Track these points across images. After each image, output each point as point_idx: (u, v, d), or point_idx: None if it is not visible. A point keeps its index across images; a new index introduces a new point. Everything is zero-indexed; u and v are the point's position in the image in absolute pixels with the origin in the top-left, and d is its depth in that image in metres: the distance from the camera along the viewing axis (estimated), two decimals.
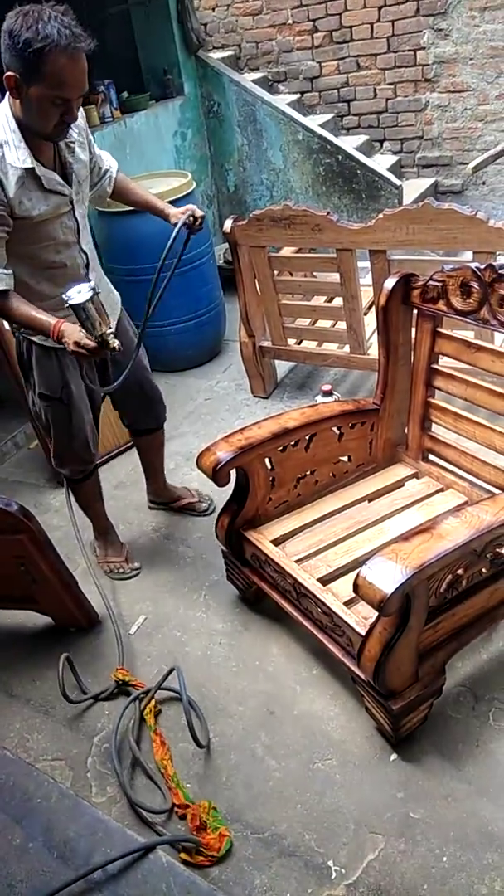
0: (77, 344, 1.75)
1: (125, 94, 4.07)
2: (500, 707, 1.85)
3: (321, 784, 1.74)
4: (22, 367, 2.15)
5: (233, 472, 2.01)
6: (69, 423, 2.18)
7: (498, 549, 1.71)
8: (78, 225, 1.98)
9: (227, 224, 2.97)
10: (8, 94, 1.70)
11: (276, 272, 3.04)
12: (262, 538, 2.06)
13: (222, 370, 3.75)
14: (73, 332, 1.76)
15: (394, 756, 1.77)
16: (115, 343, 1.77)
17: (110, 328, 1.77)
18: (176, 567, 2.50)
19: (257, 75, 4.98)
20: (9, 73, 1.63)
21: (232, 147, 4.56)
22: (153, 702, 1.95)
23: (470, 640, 1.81)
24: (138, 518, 2.80)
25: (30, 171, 1.78)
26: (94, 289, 1.71)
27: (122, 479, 3.06)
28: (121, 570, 2.53)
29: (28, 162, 1.77)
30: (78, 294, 1.69)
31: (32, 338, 2.04)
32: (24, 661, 2.22)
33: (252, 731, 1.89)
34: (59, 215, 1.90)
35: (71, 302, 1.70)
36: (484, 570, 1.73)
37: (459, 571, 1.65)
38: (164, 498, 2.78)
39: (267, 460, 2.07)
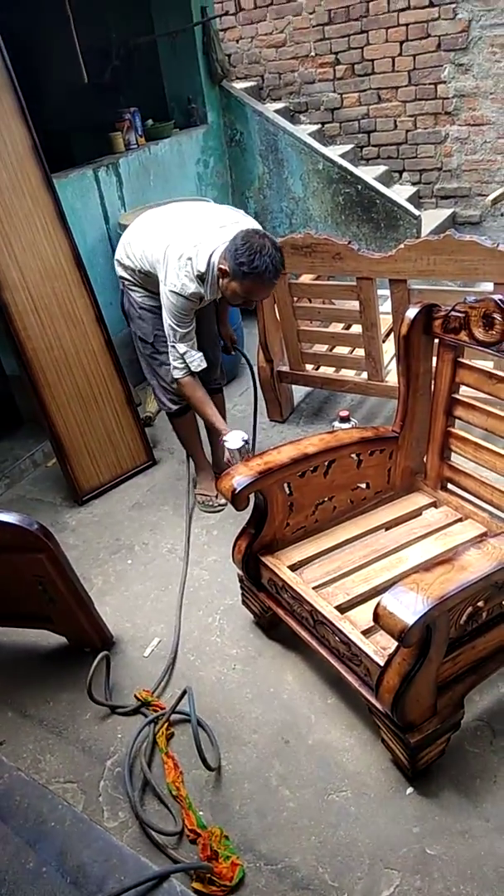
0: (228, 461, 2.50)
1: (150, 122, 4.15)
2: None
3: (336, 816, 1.72)
4: (125, 313, 2.74)
5: (251, 497, 2.01)
6: (160, 363, 2.67)
7: None
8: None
9: None
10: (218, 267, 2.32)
11: (295, 298, 3.07)
12: (280, 563, 2.06)
13: (239, 394, 3.77)
14: (235, 442, 2.47)
15: (410, 790, 1.75)
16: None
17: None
18: (191, 590, 2.50)
19: (279, 105, 5.08)
20: (222, 266, 2.28)
21: (253, 175, 4.63)
22: (166, 725, 1.94)
23: (489, 674, 1.79)
24: (154, 539, 2.80)
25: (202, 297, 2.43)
26: (245, 441, 2.48)
27: (138, 499, 3.07)
28: (210, 503, 2.89)
29: (212, 296, 2.46)
30: (232, 440, 2.47)
31: (133, 293, 2.63)
32: (38, 681, 2.21)
33: (266, 760, 1.88)
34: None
35: (235, 446, 2.46)
36: None
37: (480, 604, 1.64)
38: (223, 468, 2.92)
39: (286, 485, 2.08)
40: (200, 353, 2.51)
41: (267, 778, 1.83)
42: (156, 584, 2.56)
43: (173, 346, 2.47)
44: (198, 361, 2.51)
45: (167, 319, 2.44)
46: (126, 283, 2.65)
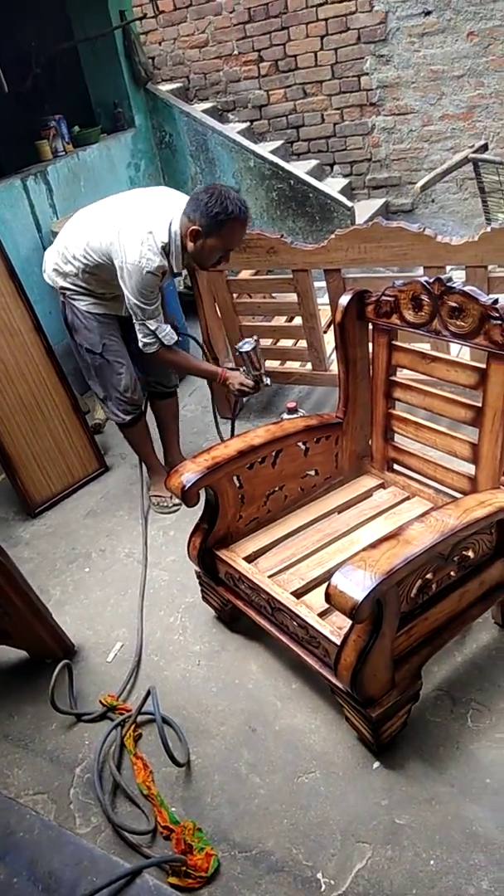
0: (241, 384, 2.61)
1: (76, 129, 4.13)
2: (476, 708, 1.88)
3: (306, 797, 1.74)
4: (68, 325, 2.65)
5: (202, 493, 2.03)
6: (111, 373, 2.66)
7: (465, 552, 1.76)
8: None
9: None
10: (183, 225, 2.30)
11: (235, 295, 3.09)
12: (235, 556, 2.07)
13: (188, 394, 3.78)
14: (236, 377, 2.62)
15: (376, 764, 1.79)
16: (267, 380, 2.67)
17: (264, 370, 2.63)
18: (151, 591, 2.50)
19: (207, 105, 5.10)
20: (195, 227, 2.25)
21: (186, 176, 4.64)
22: (133, 726, 1.94)
23: (444, 644, 1.83)
24: (110, 545, 2.79)
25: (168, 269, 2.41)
26: (256, 342, 2.53)
27: (92, 506, 3.05)
28: (164, 504, 2.90)
29: (177, 269, 2.45)
30: (245, 345, 2.54)
31: (76, 303, 2.56)
32: (0, 697, 2.18)
33: (235, 750, 1.89)
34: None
35: (241, 349, 2.54)
36: (452, 573, 1.77)
37: (428, 576, 1.69)
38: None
39: (235, 478, 2.10)
40: (169, 326, 2.51)
41: (236, 768, 1.85)
42: (115, 589, 2.55)
43: (143, 324, 2.44)
44: (169, 335, 2.49)
45: (132, 300, 2.39)
46: (67, 293, 2.58)
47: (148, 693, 1.96)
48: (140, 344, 2.51)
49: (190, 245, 2.32)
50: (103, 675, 2.20)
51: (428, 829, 1.63)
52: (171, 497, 2.88)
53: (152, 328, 2.45)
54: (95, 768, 1.85)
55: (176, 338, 2.52)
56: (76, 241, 2.48)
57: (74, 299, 2.58)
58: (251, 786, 1.80)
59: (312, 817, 1.70)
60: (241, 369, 2.62)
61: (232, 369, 2.72)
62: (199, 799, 1.79)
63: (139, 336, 2.49)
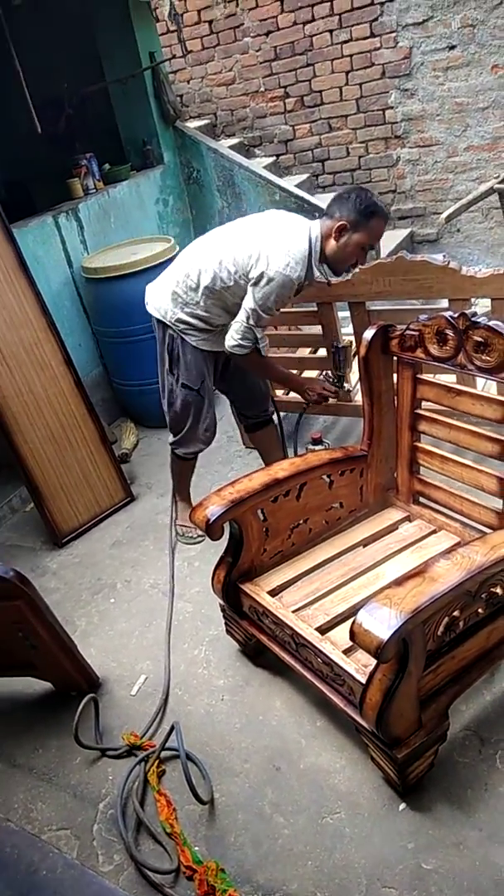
0: (324, 388, 2.70)
1: (107, 166, 4.24)
2: None
3: (331, 839, 1.71)
4: (170, 358, 2.63)
5: (226, 526, 2.03)
6: (201, 410, 2.69)
7: (493, 589, 1.73)
8: None
9: None
10: (324, 231, 2.37)
11: None
12: (259, 590, 2.07)
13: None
14: (317, 381, 2.74)
15: (402, 806, 1.75)
16: (348, 385, 2.74)
17: (348, 373, 2.72)
18: (175, 623, 2.50)
19: (234, 141, 5.20)
20: (342, 223, 2.31)
21: (213, 210, 4.72)
22: (156, 762, 1.93)
23: (472, 683, 1.80)
24: (136, 576, 2.80)
25: (307, 281, 2.44)
26: (351, 344, 2.62)
27: (118, 537, 3.07)
28: (190, 535, 2.91)
29: (313, 275, 2.43)
30: (343, 342, 2.64)
31: (186, 337, 2.56)
32: (26, 730, 2.19)
33: (259, 789, 1.87)
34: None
35: (340, 345, 2.64)
36: (480, 610, 1.75)
37: (455, 613, 1.66)
38: None
39: (259, 512, 2.10)
40: (266, 338, 2.57)
41: (260, 807, 1.82)
42: (140, 620, 2.56)
43: (250, 328, 2.42)
44: (267, 345, 2.57)
45: (254, 305, 2.37)
46: (181, 326, 2.55)
47: (171, 729, 1.95)
48: (232, 343, 2.46)
49: (332, 244, 2.35)
50: (127, 709, 2.19)
51: (456, 874, 1.59)
52: (195, 528, 2.87)
53: (259, 335, 2.47)
54: (119, 804, 1.84)
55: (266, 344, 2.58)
56: (206, 263, 2.47)
57: (187, 334, 2.56)
58: (275, 826, 1.77)
59: (337, 860, 1.67)
60: (323, 374, 2.72)
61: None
62: (223, 838, 1.77)
63: (237, 337, 2.44)
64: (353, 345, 2.54)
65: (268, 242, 2.35)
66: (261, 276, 2.34)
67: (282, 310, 3.20)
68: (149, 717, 2.14)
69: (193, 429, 2.73)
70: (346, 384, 2.69)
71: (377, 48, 4.61)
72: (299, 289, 2.45)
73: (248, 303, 2.39)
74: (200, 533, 2.77)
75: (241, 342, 2.45)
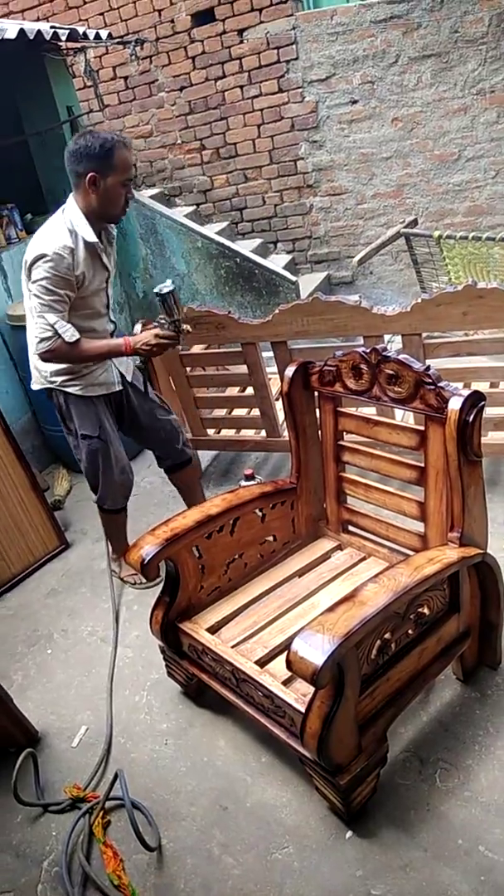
0: (157, 336, 2.36)
1: (28, 216, 4.27)
2: (444, 767, 1.88)
3: (280, 875, 1.71)
4: (62, 417, 2.60)
5: (162, 565, 2.04)
6: (108, 456, 2.60)
7: (420, 609, 1.81)
8: (108, 300, 2.54)
9: (137, 328, 3.10)
10: (79, 194, 2.28)
11: (188, 369, 3.18)
12: (198, 627, 2.08)
13: (147, 465, 3.81)
14: (146, 335, 2.39)
15: (349, 833, 1.77)
16: (186, 326, 2.41)
17: (183, 316, 2.39)
18: (116, 669, 2.47)
19: (154, 191, 5.34)
20: (91, 174, 2.20)
21: (137, 257, 4.81)
22: (101, 813, 1.88)
23: (407, 704, 1.85)
24: (73, 624, 2.75)
25: (93, 245, 2.32)
26: (174, 284, 2.34)
27: (53, 586, 3.02)
28: (141, 580, 2.83)
29: (92, 237, 2.31)
30: (165, 287, 2.32)
31: (68, 389, 2.48)
32: None
33: (206, 831, 1.85)
34: (100, 290, 2.46)
35: (162, 291, 2.30)
36: (410, 631, 1.81)
37: (387, 636, 1.72)
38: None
39: (195, 549, 2.12)
40: (72, 326, 2.31)
41: (209, 849, 1.80)
42: (79, 670, 2.51)
43: (41, 316, 2.26)
44: (71, 332, 2.29)
45: (33, 290, 2.25)
46: (60, 381, 2.48)
47: (115, 777, 1.92)
48: (35, 344, 2.31)
49: (93, 199, 2.25)
50: (69, 762, 2.14)
51: None
52: (133, 573, 2.87)
53: (51, 321, 2.26)
54: (64, 861, 1.79)
55: (78, 336, 2.31)
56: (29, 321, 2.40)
57: (66, 386, 2.49)
58: (224, 867, 1.76)
59: (288, 895, 1.66)
60: (157, 322, 2.43)
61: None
62: (172, 885, 1.74)
63: (36, 334, 2.29)
64: (177, 288, 2.36)
65: (29, 247, 2.30)
66: (28, 268, 2.27)
67: (207, 351, 3.30)
68: (91, 768, 2.09)
69: (108, 476, 2.64)
70: (183, 326, 2.38)
71: (285, 102, 4.87)
72: (97, 254, 2.35)
73: (32, 296, 2.28)
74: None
75: (40, 336, 2.28)
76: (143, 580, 2.79)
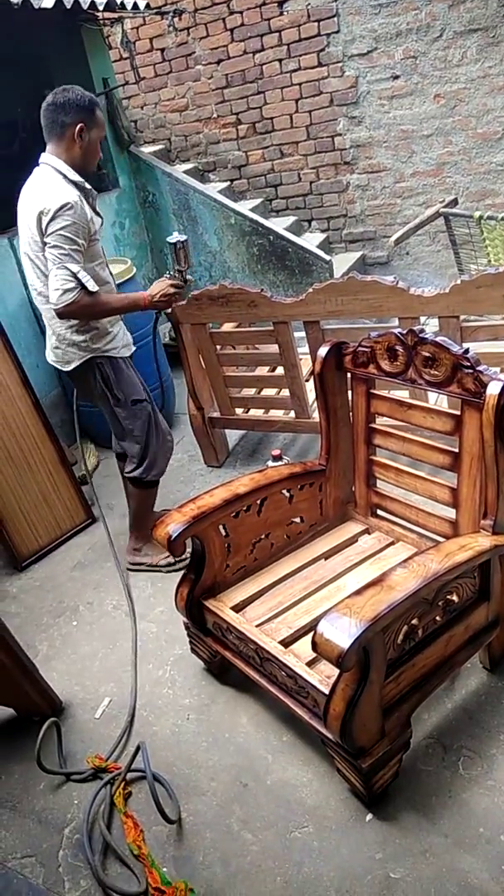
0: (171, 286, 2.46)
1: None
2: (468, 756, 1.87)
3: (299, 853, 1.72)
4: (109, 388, 2.52)
5: (188, 542, 2.04)
6: (157, 420, 2.62)
7: (449, 597, 1.78)
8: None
9: None
10: (61, 145, 2.31)
11: (218, 347, 3.16)
12: (222, 605, 2.08)
13: (175, 443, 3.79)
14: (159, 285, 2.47)
15: (369, 816, 1.77)
16: (190, 277, 2.54)
17: (189, 267, 2.51)
18: (140, 644, 2.48)
19: (188, 166, 5.28)
20: (80, 124, 2.27)
21: (169, 233, 4.76)
22: (122, 784, 1.91)
23: (433, 690, 1.84)
24: (98, 597, 2.78)
25: (89, 192, 2.37)
26: (186, 237, 2.48)
27: (79, 559, 3.05)
28: (174, 562, 2.78)
29: (87, 185, 2.37)
30: (180, 236, 2.48)
31: (110, 353, 2.47)
32: None
33: (226, 807, 1.87)
34: (99, 238, 2.46)
35: (174, 240, 2.46)
36: (438, 618, 1.79)
37: (414, 621, 1.70)
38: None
39: (221, 527, 2.11)
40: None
41: (228, 824, 1.82)
42: (103, 643, 2.53)
43: (63, 267, 2.20)
44: (91, 282, 2.26)
45: (52, 242, 2.20)
46: (99, 346, 2.45)
47: (137, 749, 1.94)
48: (58, 296, 2.22)
49: (77, 150, 2.31)
50: (91, 732, 2.17)
51: (423, 882, 1.61)
52: (165, 556, 2.80)
53: (74, 270, 2.21)
54: (85, 829, 1.82)
55: (97, 286, 2.30)
56: (29, 277, 2.43)
57: (109, 350, 2.47)
58: (243, 842, 1.77)
59: (306, 874, 1.67)
60: (167, 274, 2.52)
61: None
62: (191, 858, 1.76)
63: (57, 286, 2.21)
64: (187, 238, 2.50)
65: (33, 203, 2.27)
66: (48, 219, 2.20)
67: (238, 329, 3.27)
68: (113, 740, 2.12)
69: (159, 441, 2.67)
70: (188, 276, 2.53)
71: (325, 77, 4.76)
72: (94, 211, 2.41)
73: (49, 249, 2.22)
74: (168, 560, 2.75)
75: (63, 288, 2.21)
76: (174, 562, 2.79)
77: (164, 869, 1.72)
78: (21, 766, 2.08)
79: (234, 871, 1.71)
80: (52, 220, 2.20)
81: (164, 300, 2.47)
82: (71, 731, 2.18)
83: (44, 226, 2.23)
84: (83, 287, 2.24)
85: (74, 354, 2.49)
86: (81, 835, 1.81)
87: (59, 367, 2.57)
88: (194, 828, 1.82)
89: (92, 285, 2.26)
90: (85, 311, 2.32)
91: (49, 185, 2.27)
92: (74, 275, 2.22)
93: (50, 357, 2.59)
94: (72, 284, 2.22)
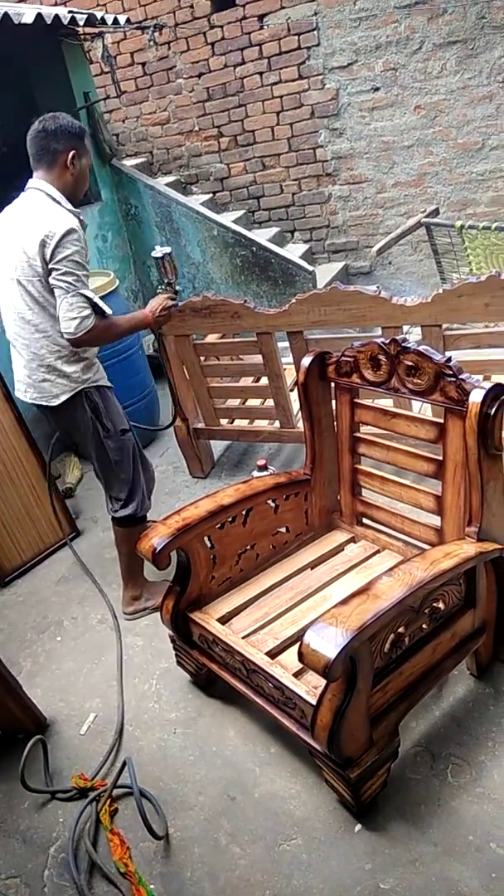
0: (168, 299, 2.51)
1: None
2: (456, 763, 1.86)
3: (288, 866, 1.70)
4: (98, 419, 2.40)
5: (174, 555, 2.03)
6: (141, 452, 2.55)
7: (435, 604, 1.78)
8: None
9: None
10: (53, 173, 2.26)
11: (202, 358, 3.16)
12: (208, 618, 2.06)
13: (160, 454, 3.80)
14: (157, 300, 2.50)
15: (358, 826, 1.75)
16: (178, 288, 2.61)
17: (177, 278, 2.58)
18: (125, 658, 2.46)
19: (171, 179, 5.30)
20: (72, 151, 2.25)
21: (152, 246, 4.75)
22: (108, 801, 1.88)
23: (420, 698, 1.83)
24: (83, 612, 2.75)
25: (81, 220, 2.27)
26: (169, 247, 2.55)
27: (63, 573, 3.02)
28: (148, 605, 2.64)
29: (78, 213, 2.29)
30: (163, 249, 2.54)
31: (100, 382, 2.42)
32: None
33: (214, 821, 1.84)
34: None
35: (158, 254, 2.52)
36: (424, 626, 1.79)
37: (401, 630, 1.70)
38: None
39: (206, 539, 2.10)
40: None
41: (216, 839, 1.80)
42: (88, 657, 2.51)
43: (79, 294, 2.15)
44: (104, 304, 2.24)
45: (67, 268, 2.14)
46: (88, 377, 2.36)
47: (123, 765, 1.92)
48: (74, 324, 2.15)
49: (69, 177, 2.28)
50: (77, 749, 2.14)
51: (413, 892, 1.60)
52: (151, 602, 2.63)
53: (89, 295, 2.18)
54: (70, 847, 1.79)
55: (111, 310, 2.27)
56: (17, 306, 2.30)
57: (98, 380, 2.41)
58: (231, 857, 1.75)
59: (296, 886, 1.65)
60: (159, 288, 2.61)
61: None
62: (179, 874, 1.73)
63: (73, 314, 2.14)
64: (171, 250, 2.56)
65: (31, 228, 2.18)
66: (54, 245, 2.13)
67: (221, 340, 3.28)
68: (99, 756, 2.09)
69: (145, 468, 2.59)
70: (177, 287, 2.59)
71: (306, 90, 4.81)
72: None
73: (60, 276, 2.15)
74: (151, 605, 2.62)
75: (80, 316, 2.15)
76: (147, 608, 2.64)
77: (152, 886, 1.70)
78: (5, 785, 2.04)
79: (222, 886, 1.68)
80: (58, 245, 2.14)
81: (165, 313, 2.50)
82: (56, 748, 2.15)
83: (48, 251, 2.15)
84: (97, 312, 2.20)
85: (65, 387, 2.35)
86: (67, 854, 1.78)
87: (44, 404, 2.40)
88: (182, 843, 1.80)
89: (107, 308, 2.24)
90: (102, 336, 2.27)
91: (49, 211, 2.20)
92: (89, 300, 2.18)
93: (30, 394, 2.42)
94: (88, 311, 2.17)
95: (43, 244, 2.15)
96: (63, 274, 2.15)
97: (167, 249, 2.53)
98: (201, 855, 1.76)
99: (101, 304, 2.21)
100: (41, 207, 2.23)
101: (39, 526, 3.12)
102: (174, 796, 1.93)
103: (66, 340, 2.22)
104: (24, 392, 2.46)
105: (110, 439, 2.43)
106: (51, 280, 2.17)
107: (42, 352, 2.31)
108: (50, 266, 2.16)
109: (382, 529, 2.29)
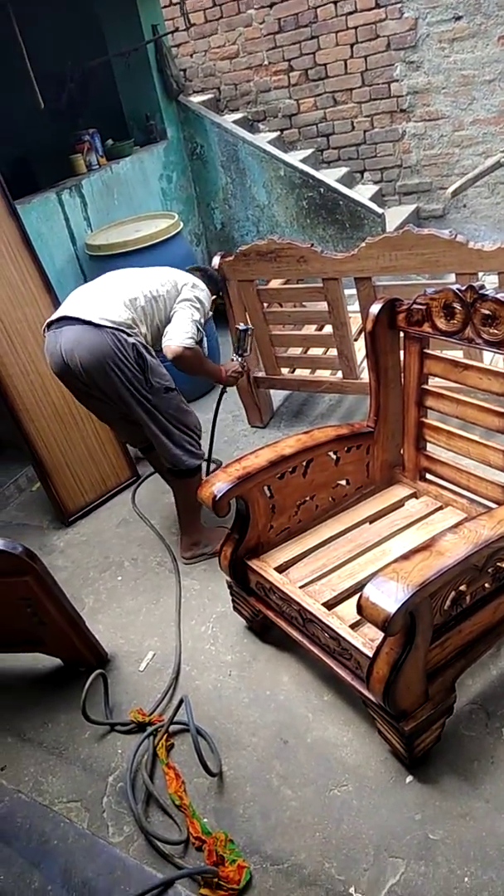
0: (239, 368, 2.74)
1: (110, 142, 4.19)
2: None
3: (338, 811, 1.73)
4: (142, 370, 2.39)
5: (233, 502, 2.03)
6: (186, 406, 2.58)
7: (499, 564, 1.73)
8: None
9: (215, 260, 3.04)
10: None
11: (265, 304, 3.10)
12: (266, 566, 2.07)
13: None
14: (231, 365, 2.74)
15: (410, 778, 1.76)
16: (247, 365, 2.88)
17: (248, 353, 2.81)
18: (183, 600, 2.51)
19: (237, 116, 5.12)
20: (214, 297, 2.71)
21: (217, 186, 4.67)
22: (165, 736, 1.94)
23: (478, 657, 1.81)
24: (142, 553, 2.81)
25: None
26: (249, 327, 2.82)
27: (124, 515, 3.08)
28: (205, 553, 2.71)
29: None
30: (247, 325, 2.83)
31: (149, 357, 2.43)
32: (34, 704, 2.22)
33: (266, 762, 1.89)
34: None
35: (244, 328, 2.77)
36: (487, 585, 1.75)
37: (462, 588, 1.66)
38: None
39: (266, 488, 2.09)
40: None
41: (268, 779, 1.84)
42: (147, 598, 2.57)
43: (194, 323, 2.45)
44: (203, 348, 2.62)
45: (193, 310, 2.48)
46: (140, 352, 2.39)
47: (180, 702, 1.97)
48: (184, 337, 2.37)
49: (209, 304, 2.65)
50: (135, 685, 2.21)
51: (462, 844, 1.61)
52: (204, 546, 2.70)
53: (198, 328, 2.47)
54: (128, 777, 1.87)
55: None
56: (139, 289, 2.48)
57: (146, 353, 2.43)
58: (283, 798, 1.79)
59: (345, 831, 1.69)
60: (234, 358, 2.77)
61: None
62: (231, 810, 1.79)
63: (187, 329, 2.40)
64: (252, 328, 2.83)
65: (179, 274, 2.61)
66: (190, 286, 2.53)
67: (285, 286, 3.20)
68: (156, 693, 2.16)
69: (191, 431, 2.55)
70: (245, 364, 2.83)
71: (382, 19, 4.52)
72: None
73: (188, 304, 2.47)
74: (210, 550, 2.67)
75: (191, 338, 2.40)
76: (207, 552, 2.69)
77: (205, 820, 1.76)
78: (67, 715, 2.14)
79: (273, 825, 1.73)
80: (193, 287, 2.54)
81: (235, 376, 2.73)
82: (116, 683, 2.23)
83: (181, 286, 2.52)
84: (198, 344, 2.48)
85: (126, 319, 2.42)
86: (125, 783, 1.86)
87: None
88: (235, 781, 1.85)
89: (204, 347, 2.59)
90: (192, 361, 2.45)
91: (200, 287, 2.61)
92: (198, 332, 2.47)
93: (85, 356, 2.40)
94: (197, 339, 2.45)
95: (180, 284, 2.52)
96: (190, 305, 2.48)
97: (251, 327, 2.84)
98: (253, 794, 1.81)
99: (202, 347, 2.54)
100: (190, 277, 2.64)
101: (102, 469, 3.17)
102: (228, 736, 1.98)
103: (163, 345, 2.42)
104: (83, 354, 2.43)
105: (158, 399, 2.44)
106: (176, 304, 2.48)
107: (123, 318, 2.37)
108: (180, 297, 2.49)
109: (446, 486, 2.23)
